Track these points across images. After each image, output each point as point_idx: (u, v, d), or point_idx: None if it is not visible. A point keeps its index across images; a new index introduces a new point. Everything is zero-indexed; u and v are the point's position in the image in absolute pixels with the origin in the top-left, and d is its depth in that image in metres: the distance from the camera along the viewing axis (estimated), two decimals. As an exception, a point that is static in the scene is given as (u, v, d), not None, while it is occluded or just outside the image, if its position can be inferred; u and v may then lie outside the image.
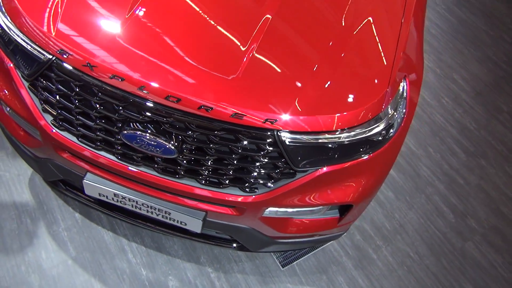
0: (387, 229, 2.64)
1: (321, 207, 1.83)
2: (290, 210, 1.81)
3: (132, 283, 2.19)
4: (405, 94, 1.82)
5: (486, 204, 2.91)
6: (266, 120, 1.51)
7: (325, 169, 1.65)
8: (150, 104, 1.51)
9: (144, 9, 1.64)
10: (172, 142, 1.55)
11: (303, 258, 2.41)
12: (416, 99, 1.94)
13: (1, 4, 1.70)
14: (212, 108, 1.49)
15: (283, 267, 2.36)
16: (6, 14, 1.67)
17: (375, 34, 1.85)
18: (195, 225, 1.80)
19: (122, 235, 2.32)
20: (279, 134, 1.54)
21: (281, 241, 1.99)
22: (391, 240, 2.60)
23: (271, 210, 1.78)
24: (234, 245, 2.05)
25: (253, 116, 1.51)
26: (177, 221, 1.82)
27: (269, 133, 1.54)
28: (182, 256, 2.31)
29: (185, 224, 1.82)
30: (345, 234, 2.51)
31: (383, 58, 1.77)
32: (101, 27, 1.60)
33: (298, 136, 1.56)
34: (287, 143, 1.56)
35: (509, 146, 3.30)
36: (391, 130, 1.75)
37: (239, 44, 1.64)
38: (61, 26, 1.58)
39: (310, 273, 2.37)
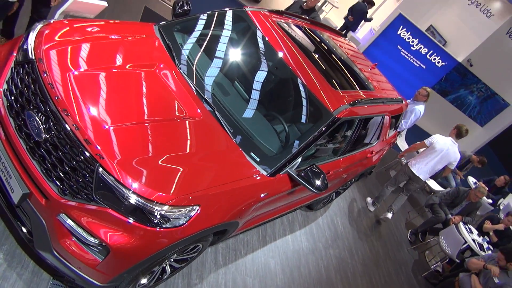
0: None
1: (94, 240, 2.53)
2: (72, 224, 2.53)
3: None
4: (192, 214, 2.69)
5: None
6: (98, 154, 2.46)
7: (110, 211, 2.47)
8: (52, 107, 2.54)
9: (104, 73, 2.84)
10: (45, 132, 2.52)
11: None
12: (193, 231, 2.77)
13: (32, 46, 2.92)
14: (79, 129, 2.49)
15: (46, 296, 2.85)
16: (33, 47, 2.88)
17: (219, 168, 2.92)
18: (16, 195, 2.56)
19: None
20: (99, 167, 2.46)
21: (56, 254, 2.61)
22: None
23: (63, 217, 2.52)
24: (25, 230, 2.70)
25: (96, 148, 2.47)
26: (10, 186, 2.60)
27: (95, 163, 2.46)
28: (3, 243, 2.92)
29: (13, 191, 2.59)
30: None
31: (201, 180, 2.74)
32: (74, 66, 2.78)
33: (108, 177, 2.45)
34: (99, 176, 2.46)
35: None
36: (166, 223, 2.58)
37: (137, 115, 2.76)
38: (50, 53, 2.78)
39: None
